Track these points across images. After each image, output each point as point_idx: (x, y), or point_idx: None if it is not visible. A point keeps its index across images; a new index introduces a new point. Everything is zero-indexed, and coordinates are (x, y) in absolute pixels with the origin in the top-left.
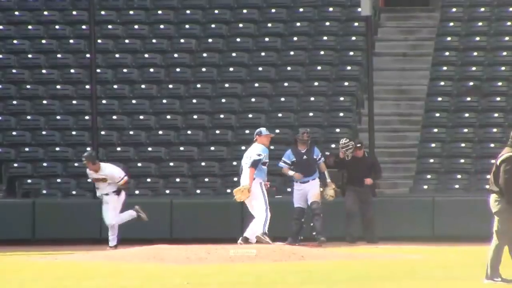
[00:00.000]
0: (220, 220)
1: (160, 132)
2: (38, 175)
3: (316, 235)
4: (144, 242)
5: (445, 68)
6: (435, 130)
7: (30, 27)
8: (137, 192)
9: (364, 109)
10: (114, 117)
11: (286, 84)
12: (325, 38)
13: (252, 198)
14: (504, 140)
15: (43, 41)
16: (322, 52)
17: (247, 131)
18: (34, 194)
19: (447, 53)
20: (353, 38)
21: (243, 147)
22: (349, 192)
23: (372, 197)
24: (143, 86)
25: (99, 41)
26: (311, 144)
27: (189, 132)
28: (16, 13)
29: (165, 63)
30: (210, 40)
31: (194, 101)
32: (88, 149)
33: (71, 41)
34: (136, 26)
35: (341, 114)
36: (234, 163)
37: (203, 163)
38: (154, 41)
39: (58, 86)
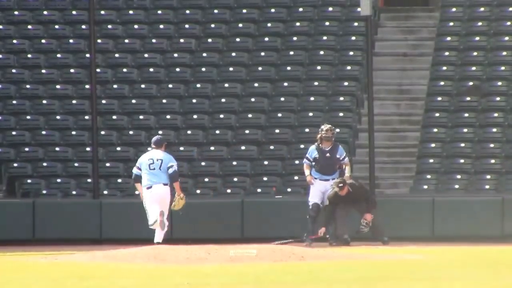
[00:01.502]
0: (220, 220)
1: (160, 132)
2: (38, 175)
3: (329, 238)
4: (144, 242)
5: (445, 68)
6: (435, 130)
7: (30, 27)
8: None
9: (364, 109)
10: (114, 117)
11: (286, 84)
12: (325, 38)
13: (165, 202)
14: (504, 140)
15: (43, 41)
16: (322, 52)
17: (247, 131)
18: (34, 194)
19: (447, 53)
20: (353, 38)
21: (243, 147)
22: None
23: (366, 203)
24: (143, 86)
25: (99, 41)
26: (336, 142)
27: (189, 132)
28: (16, 13)
29: (165, 63)
30: (210, 40)
31: (194, 101)
32: (88, 149)
33: (71, 41)
34: (136, 26)
35: (341, 114)
36: (234, 163)
37: (203, 163)
38: (154, 41)
39: (58, 86)
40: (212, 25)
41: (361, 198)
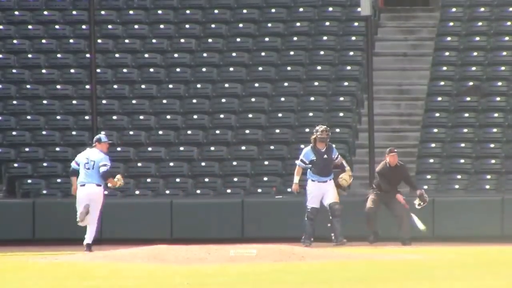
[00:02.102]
0: (220, 220)
1: (160, 132)
2: (38, 175)
3: (335, 237)
4: (144, 242)
5: (445, 68)
6: (435, 130)
7: (30, 27)
8: (137, 192)
9: (364, 109)
10: (114, 117)
11: (286, 84)
12: (325, 38)
13: (96, 202)
14: (504, 140)
15: (43, 41)
16: (322, 52)
17: (247, 131)
18: (34, 194)
19: (447, 53)
20: (353, 38)
21: (243, 147)
22: (371, 195)
23: (396, 197)
24: (143, 86)
25: (99, 41)
26: (329, 143)
27: (189, 132)
28: (16, 13)
29: (165, 63)
30: (210, 40)
31: (194, 101)
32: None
33: (71, 41)
34: (136, 26)
35: (341, 114)
36: (235, 163)
37: (203, 163)
38: (154, 41)
39: (58, 86)
40: (212, 25)
41: (405, 176)
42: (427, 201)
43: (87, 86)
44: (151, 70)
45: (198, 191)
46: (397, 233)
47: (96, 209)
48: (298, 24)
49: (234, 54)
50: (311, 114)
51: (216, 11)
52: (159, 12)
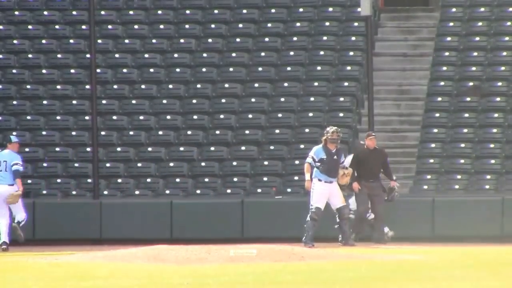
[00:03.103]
0: (220, 220)
1: (160, 132)
2: (38, 175)
3: (344, 239)
4: (144, 242)
5: (445, 68)
6: (435, 130)
7: (30, 27)
8: (137, 192)
9: (364, 109)
10: (114, 117)
11: (286, 84)
12: (325, 38)
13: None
14: (504, 140)
15: (43, 41)
16: (322, 52)
17: (247, 131)
18: (34, 194)
19: (447, 53)
20: (353, 38)
21: (243, 147)
22: (361, 193)
23: (382, 192)
24: (143, 86)
25: (99, 41)
26: (339, 146)
27: (189, 132)
28: (16, 13)
29: (165, 63)
30: (210, 40)
31: (194, 101)
32: (88, 149)
33: (71, 41)
34: (136, 26)
35: (341, 114)
36: (234, 163)
37: (203, 163)
38: (154, 41)
39: (58, 86)
40: (212, 25)
41: (384, 162)
42: (394, 200)
43: (87, 86)
44: (151, 70)
45: (198, 191)
46: (371, 232)
47: (13, 206)
48: (298, 24)
49: (234, 54)
50: (311, 114)
51: (216, 11)
52: (159, 12)
